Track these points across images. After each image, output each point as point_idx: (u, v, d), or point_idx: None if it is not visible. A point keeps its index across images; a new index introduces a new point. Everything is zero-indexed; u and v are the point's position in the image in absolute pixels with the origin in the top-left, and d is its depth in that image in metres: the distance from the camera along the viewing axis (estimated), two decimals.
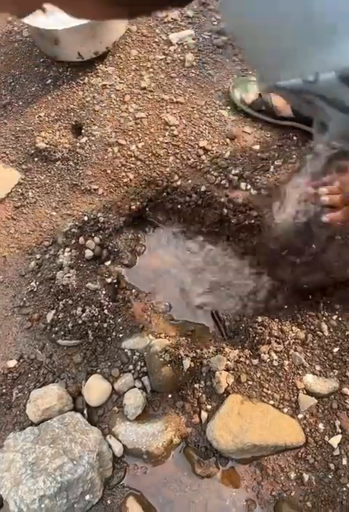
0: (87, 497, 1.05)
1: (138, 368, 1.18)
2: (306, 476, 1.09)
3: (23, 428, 1.12)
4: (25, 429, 1.11)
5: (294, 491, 1.09)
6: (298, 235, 1.13)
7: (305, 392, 1.14)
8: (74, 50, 1.58)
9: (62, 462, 1.03)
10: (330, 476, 1.09)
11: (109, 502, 1.10)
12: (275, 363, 1.16)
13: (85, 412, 1.17)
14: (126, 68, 1.64)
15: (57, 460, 1.03)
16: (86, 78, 1.63)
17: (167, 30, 1.72)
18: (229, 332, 1.26)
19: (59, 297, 1.24)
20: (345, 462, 1.09)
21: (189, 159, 1.44)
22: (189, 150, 1.45)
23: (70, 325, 1.21)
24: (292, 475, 1.09)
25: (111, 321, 1.23)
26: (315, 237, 1.11)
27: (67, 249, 1.30)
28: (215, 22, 1.73)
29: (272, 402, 1.13)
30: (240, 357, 1.17)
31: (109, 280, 1.29)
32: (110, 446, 1.12)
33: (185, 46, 1.67)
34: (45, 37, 1.57)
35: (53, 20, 1.69)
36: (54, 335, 1.23)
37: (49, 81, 1.65)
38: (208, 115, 1.50)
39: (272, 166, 1.40)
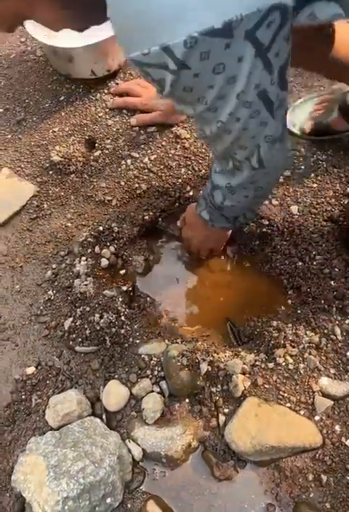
0: (108, 500, 1.06)
1: (155, 373, 1.20)
2: (324, 478, 1.10)
3: (43, 433, 1.14)
4: (46, 433, 1.12)
5: (313, 492, 1.10)
6: None
7: (320, 394, 1.15)
8: (88, 68, 1.63)
9: (84, 464, 1.04)
10: (348, 477, 1.10)
11: (129, 505, 1.11)
12: (290, 366, 1.18)
13: (104, 417, 1.18)
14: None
15: (79, 463, 1.04)
16: (99, 94, 1.67)
17: None
18: (243, 337, 1.28)
19: (76, 305, 1.27)
20: None
21: (200, 170, 1.47)
22: (200, 161, 1.49)
23: (87, 332, 1.23)
24: (310, 476, 1.10)
25: (128, 327, 1.25)
26: None
27: (84, 258, 1.33)
28: None
29: (288, 404, 1.15)
30: (256, 361, 1.19)
31: (125, 288, 1.32)
32: (129, 450, 1.13)
33: None
34: (60, 55, 1.62)
35: (65, 39, 1.74)
36: (71, 342, 1.25)
37: (62, 97, 1.69)
38: None
39: (281, 177, 1.43)
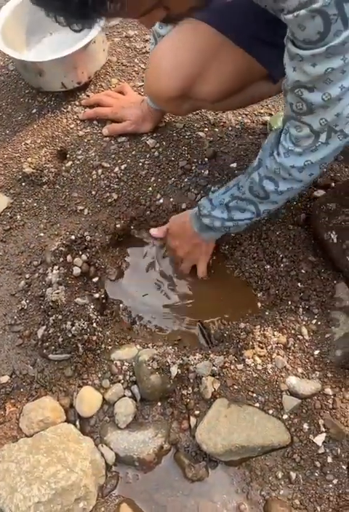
0: (81, 505, 1.07)
1: (127, 378, 1.22)
2: (293, 475, 1.12)
3: (17, 441, 1.15)
4: (19, 440, 1.13)
5: (283, 489, 1.12)
6: None
7: (288, 393, 1.18)
8: (58, 81, 1.65)
9: (56, 469, 1.06)
10: (316, 474, 1.13)
11: (103, 509, 1.12)
12: (259, 367, 1.21)
13: (77, 423, 1.20)
14: None
15: (51, 468, 1.06)
16: (70, 106, 1.70)
17: (145, 60, 1.81)
18: (214, 340, 1.31)
19: (49, 313, 1.28)
20: (330, 459, 1.13)
21: (170, 178, 1.50)
22: (170, 170, 1.52)
23: (60, 340, 1.25)
24: (280, 474, 1.13)
25: (100, 334, 1.27)
26: None
27: (56, 267, 1.35)
28: None
29: (257, 404, 1.17)
30: (225, 362, 1.21)
31: (97, 295, 1.34)
32: (102, 455, 1.15)
33: None
34: (30, 69, 1.65)
35: (35, 53, 1.78)
36: (45, 350, 1.27)
37: (35, 110, 1.72)
38: (187, 137, 1.58)
39: None
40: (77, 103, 1.70)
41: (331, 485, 1.11)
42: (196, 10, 0.93)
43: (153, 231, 1.46)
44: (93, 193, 1.50)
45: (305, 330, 1.25)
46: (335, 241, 1.26)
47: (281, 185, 1.11)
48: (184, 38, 1.21)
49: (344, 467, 1.13)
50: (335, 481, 1.11)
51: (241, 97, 1.33)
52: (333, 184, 1.46)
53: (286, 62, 0.93)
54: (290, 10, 0.81)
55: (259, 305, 1.35)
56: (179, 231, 1.37)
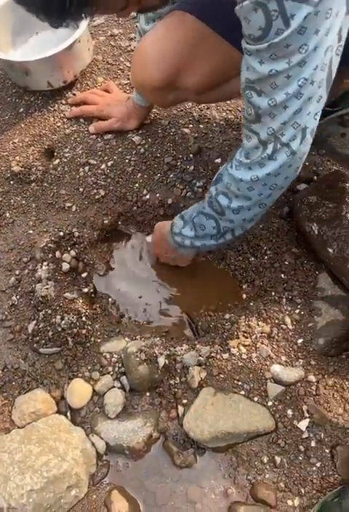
0: (73, 492, 1.11)
1: (116, 369, 1.26)
2: (278, 459, 1.16)
3: (9, 432, 1.18)
4: (11, 431, 1.17)
5: (268, 473, 1.16)
6: None
7: (272, 381, 1.22)
8: (44, 80, 1.67)
9: (47, 458, 1.09)
10: (300, 458, 1.17)
11: (94, 496, 1.16)
12: (244, 356, 1.25)
13: (68, 414, 1.23)
14: None
15: (43, 457, 1.09)
16: (56, 105, 1.72)
17: (130, 58, 1.83)
18: (201, 331, 1.34)
19: (39, 308, 1.31)
20: (313, 443, 1.17)
21: (156, 174, 1.53)
22: (156, 166, 1.55)
23: (50, 334, 1.28)
24: (265, 459, 1.17)
25: (89, 327, 1.30)
26: None
27: (45, 263, 1.37)
28: None
29: (243, 392, 1.21)
30: (211, 352, 1.25)
31: (86, 290, 1.37)
32: (93, 444, 1.19)
33: None
34: (16, 69, 1.67)
35: (21, 52, 1.80)
36: (35, 344, 1.30)
37: (22, 109, 1.74)
38: (172, 133, 1.61)
39: None
40: (64, 102, 1.73)
41: (314, 468, 1.16)
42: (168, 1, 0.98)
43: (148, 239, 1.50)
44: (80, 189, 1.53)
45: (288, 320, 1.29)
46: (316, 233, 1.30)
47: (234, 202, 1.12)
48: (170, 29, 1.22)
49: (327, 450, 1.17)
50: (318, 464, 1.16)
51: (226, 90, 1.34)
52: (315, 177, 1.50)
53: (242, 62, 0.94)
54: (238, 1, 0.82)
55: (244, 296, 1.39)
56: (160, 242, 1.40)
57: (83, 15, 0.83)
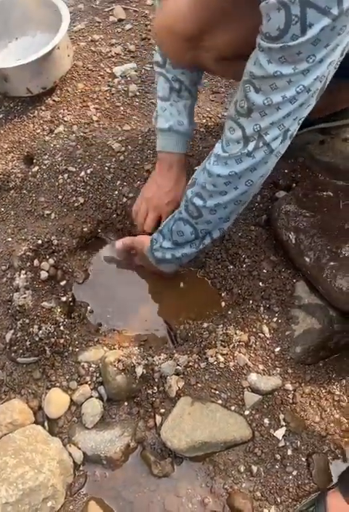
0: (49, 504, 1.11)
1: (94, 379, 1.25)
2: (255, 468, 1.17)
3: None
4: None
5: (245, 483, 1.17)
6: None
7: (249, 390, 1.23)
8: (23, 86, 1.67)
9: (23, 470, 1.09)
10: (277, 466, 1.17)
11: (71, 507, 1.16)
12: (221, 365, 1.25)
13: (46, 424, 1.23)
14: (74, 100, 1.74)
15: (19, 469, 1.09)
16: (36, 111, 1.72)
17: (111, 64, 1.84)
18: (180, 340, 1.34)
19: (16, 318, 1.31)
20: (290, 452, 1.18)
21: (136, 182, 1.53)
22: (135, 173, 1.55)
23: (28, 343, 1.27)
24: (242, 468, 1.18)
25: (67, 337, 1.30)
26: None
27: (23, 272, 1.37)
28: None
29: (220, 401, 1.22)
30: (189, 362, 1.25)
31: (64, 298, 1.37)
32: (70, 454, 1.18)
33: (129, 78, 1.79)
34: None
35: (1, 57, 1.79)
36: (13, 354, 1.29)
37: (1, 115, 1.73)
38: (152, 140, 1.60)
39: None
40: (43, 108, 1.72)
41: (290, 477, 1.16)
42: None
43: (118, 244, 1.45)
44: (60, 197, 1.52)
45: (266, 328, 1.30)
46: (294, 241, 1.31)
47: (209, 201, 1.15)
48: None
49: (303, 459, 1.18)
50: (295, 473, 1.16)
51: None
52: (294, 185, 1.51)
53: (251, 55, 0.97)
54: None
55: (222, 304, 1.39)
56: (141, 258, 1.41)
57: None
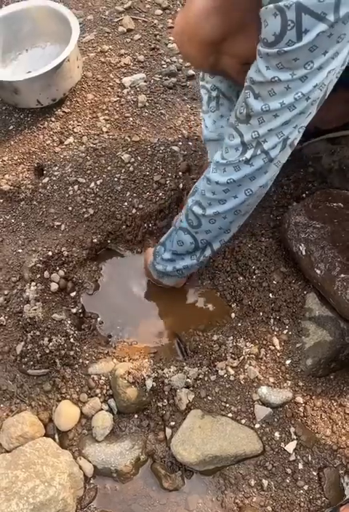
0: None
1: (104, 392, 1.26)
2: (265, 482, 1.17)
3: None
4: None
5: (255, 497, 1.16)
6: None
7: (260, 403, 1.22)
8: (33, 98, 1.68)
9: (34, 484, 1.09)
10: (288, 480, 1.17)
11: None
12: (231, 377, 1.25)
13: (56, 436, 1.23)
14: (83, 111, 1.75)
15: (30, 483, 1.09)
16: (46, 122, 1.73)
17: (120, 75, 1.84)
18: (190, 352, 1.34)
19: (27, 329, 1.31)
20: (301, 466, 1.18)
21: (145, 193, 1.54)
22: (145, 184, 1.55)
23: (38, 355, 1.28)
24: (253, 482, 1.17)
25: (77, 349, 1.30)
26: None
27: (33, 284, 1.37)
28: (165, 66, 1.86)
29: (230, 415, 1.21)
30: (199, 374, 1.25)
31: (74, 310, 1.37)
32: (80, 467, 1.18)
33: (138, 89, 1.79)
34: (6, 88, 1.68)
35: (12, 69, 1.80)
36: (24, 366, 1.29)
37: (12, 127, 1.74)
38: (161, 151, 1.61)
39: None
40: (53, 119, 1.73)
41: (302, 491, 1.16)
42: None
43: None
44: (70, 208, 1.53)
45: (276, 340, 1.29)
46: (304, 253, 1.30)
47: (208, 210, 1.15)
48: None
49: (314, 473, 1.17)
50: (306, 487, 1.16)
51: None
52: (304, 195, 1.50)
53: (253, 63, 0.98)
54: (264, 3, 0.87)
55: (232, 315, 1.38)
56: (147, 272, 1.42)
57: None
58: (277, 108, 0.95)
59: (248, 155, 1.03)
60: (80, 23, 1.97)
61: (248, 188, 1.09)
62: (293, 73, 0.89)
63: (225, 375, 1.25)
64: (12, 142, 1.70)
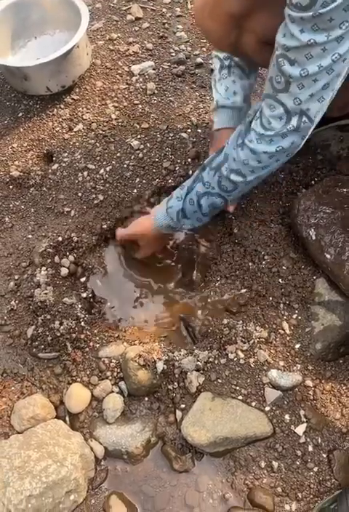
0: (72, 497, 1.12)
1: (115, 374, 1.27)
2: (275, 464, 1.17)
3: (8, 438, 1.19)
4: (10, 437, 1.17)
5: (265, 478, 1.17)
6: None
7: (270, 386, 1.23)
8: (42, 85, 1.69)
9: (46, 464, 1.10)
10: (298, 462, 1.18)
11: (93, 501, 1.17)
12: (241, 361, 1.25)
13: (67, 419, 1.24)
14: (92, 98, 1.75)
15: (42, 463, 1.10)
16: (55, 109, 1.73)
17: (129, 63, 1.85)
18: (199, 335, 1.35)
19: (37, 313, 1.32)
20: (310, 448, 1.19)
21: (154, 180, 1.54)
22: (154, 171, 1.56)
23: (49, 338, 1.29)
24: (263, 464, 1.18)
25: (88, 332, 1.31)
26: None
27: (44, 268, 1.38)
28: (173, 54, 1.87)
29: (240, 397, 1.22)
30: (209, 358, 1.26)
31: (84, 294, 1.38)
32: (92, 449, 1.19)
33: (147, 76, 1.80)
34: (15, 74, 1.68)
35: (21, 56, 1.80)
36: (34, 349, 1.30)
37: (21, 114, 1.75)
38: (170, 138, 1.61)
39: None
40: (62, 106, 1.74)
41: (311, 473, 1.17)
42: None
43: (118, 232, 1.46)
44: (79, 194, 1.54)
45: (286, 325, 1.30)
46: (314, 238, 1.30)
47: (249, 176, 1.18)
48: None
49: (324, 455, 1.18)
50: (315, 469, 1.17)
51: None
52: (313, 182, 1.51)
53: (279, 29, 0.98)
54: None
55: (242, 301, 1.39)
56: (146, 240, 1.42)
57: None
58: (315, 71, 0.95)
59: (294, 122, 1.05)
60: (88, 11, 1.97)
61: (290, 152, 1.13)
62: (328, 34, 0.90)
63: (235, 359, 1.25)
64: (22, 129, 1.70)
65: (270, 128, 1.08)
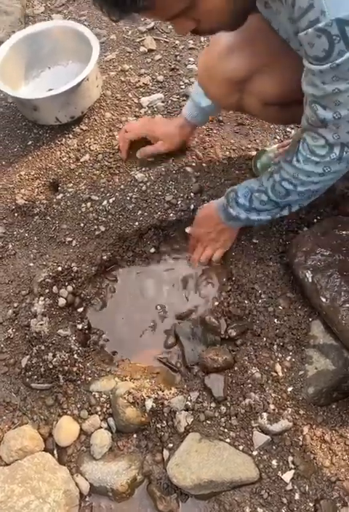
0: None
1: (104, 409, 1.27)
2: (260, 511, 1.15)
3: None
4: None
5: None
6: None
7: (259, 430, 1.21)
8: (52, 115, 1.72)
9: (28, 500, 1.11)
10: (283, 510, 1.15)
11: None
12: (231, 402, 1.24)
13: (55, 452, 1.25)
14: (100, 129, 1.78)
15: (25, 498, 1.11)
16: (64, 139, 1.76)
17: (139, 94, 1.87)
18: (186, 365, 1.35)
19: (32, 343, 1.34)
20: (297, 496, 1.16)
21: (156, 213, 1.55)
22: (156, 204, 1.56)
23: (42, 369, 1.30)
24: (247, 509, 1.16)
25: (81, 365, 1.32)
26: None
27: (42, 298, 1.40)
28: (183, 86, 1.88)
29: (228, 440, 1.21)
30: (198, 397, 1.25)
31: (80, 326, 1.39)
32: (77, 485, 1.19)
33: (155, 109, 1.81)
34: (25, 105, 1.73)
35: (33, 86, 1.85)
36: (28, 379, 1.32)
37: (30, 142, 1.78)
38: (174, 171, 1.62)
39: None
40: (71, 136, 1.77)
41: None
42: (226, 30, 1.07)
43: (188, 230, 1.52)
44: (82, 225, 1.55)
45: (278, 367, 1.28)
46: (310, 280, 1.29)
47: (299, 187, 1.22)
48: (258, 32, 1.24)
49: (311, 504, 1.15)
50: None
51: (293, 113, 1.34)
52: (315, 221, 1.49)
53: (303, 79, 1.04)
54: (302, 28, 0.91)
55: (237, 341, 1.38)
56: (205, 220, 1.46)
57: (136, 8, 0.89)
58: (347, 114, 1.00)
59: (336, 151, 1.10)
60: (103, 42, 2.01)
61: (339, 174, 1.18)
62: None
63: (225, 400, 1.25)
64: (30, 158, 1.74)
65: (316, 154, 1.13)
